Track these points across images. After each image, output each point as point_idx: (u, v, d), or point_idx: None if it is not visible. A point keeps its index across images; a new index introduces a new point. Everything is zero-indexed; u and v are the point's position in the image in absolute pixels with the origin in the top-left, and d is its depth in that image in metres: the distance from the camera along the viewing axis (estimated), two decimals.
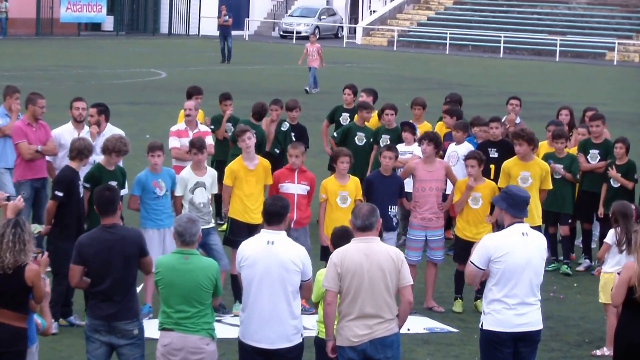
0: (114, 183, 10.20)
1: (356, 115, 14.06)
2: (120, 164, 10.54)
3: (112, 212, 7.73)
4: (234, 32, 42.46)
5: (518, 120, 14.30)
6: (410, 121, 13.44)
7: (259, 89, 29.41)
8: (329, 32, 57.14)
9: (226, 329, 9.86)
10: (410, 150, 12.69)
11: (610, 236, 9.82)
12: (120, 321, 7.54)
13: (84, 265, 7.69)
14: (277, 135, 13.84)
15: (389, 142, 12.97)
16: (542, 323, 7.87)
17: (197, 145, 10.61)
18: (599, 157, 12.91)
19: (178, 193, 10.56)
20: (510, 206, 7.77)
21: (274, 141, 13.85)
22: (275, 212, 7.41)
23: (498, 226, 11.41)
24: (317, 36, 36.72)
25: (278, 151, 13.81)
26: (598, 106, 16.20)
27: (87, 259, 7.66)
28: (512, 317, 7.69)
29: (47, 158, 11.82)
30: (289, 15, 57.59)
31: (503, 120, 14.25)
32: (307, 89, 30.54)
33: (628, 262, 7.78)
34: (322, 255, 10.57)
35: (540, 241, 7.83)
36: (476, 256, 7.74)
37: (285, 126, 13.94)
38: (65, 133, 11.73)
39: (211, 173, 10.76)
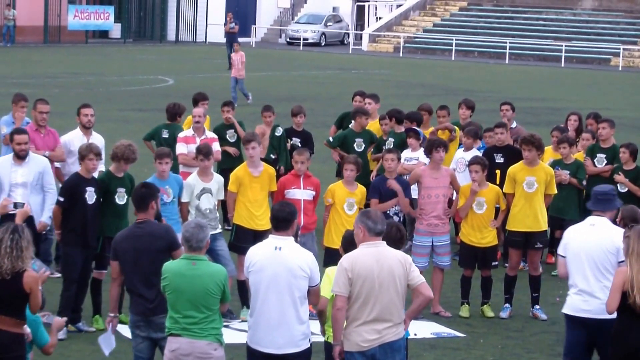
0: (122, 189, 10.28)
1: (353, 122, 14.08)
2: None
3: (144, 208, 8.04)
4: (240, 39, 42.56)
5: (514, 125, 14.32)
6: (416, 127, 13.48)
7: (265, 96, 29.48)
8: (335, 38, 57.24)
9: (234, 334, 9.90)
10: (415, 157, 12.72)
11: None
12: (157, 315, 7.76)
13: (119, 260, 8.05)
14: (271, 141, 13.97)
15: (392, 146, 13.06)
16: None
17: (203, 151, 10.69)
18: (605, 162, 12.93)
19: (184, 199, 10.63)
20: (592, 202, 8.47)
21: (268, 147, 13.96)
22: (283, 218, 7.45)
23: (503, 230, 11.49)
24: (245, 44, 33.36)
25: (274, 157, 13.93)
26: (603, 111, 16.26)
27: (120, 254, 8.03)
28: (577, 302, 8.32)
29: (56, 164, 11.90)
30: (296, 22, 57.69)
31: None
32: (249, 100, 28.00)
33: (621, 267, 7.85)
34: (326, 260, 10.56)
35: (607, 233, 8.25)
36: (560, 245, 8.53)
37: (279, 131, 14.07)
38: (75, 139, 11.82)
39: (217, 179, 10.83)
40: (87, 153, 10.07)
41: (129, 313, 8.11)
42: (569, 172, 12.76)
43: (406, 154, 13.01)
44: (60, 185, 11.84)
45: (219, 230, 10.83)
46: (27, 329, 7.28)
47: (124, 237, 8.12)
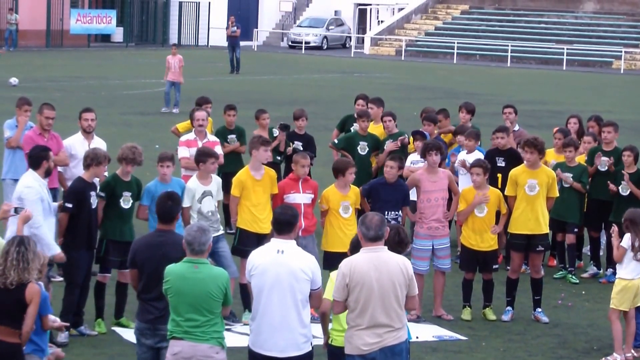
0: (128, 194, 10.29)
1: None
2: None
3: (169, 221, 8.00)
4: (243, 43, 42.62)
5: (517, 128, 14.33)
6: (422, 130, 13.50)
7: (268, 99, 29.51)
8: (337, 42, 57.31)
9: (236, 337, 9.90)
10: (422, 160, 12.69)
11: (626, 240, 9.88)
12: (164, 324, 7.69)
13: (137, 268, 7.97)
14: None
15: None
16: None
17: (215, 155, 10.77)
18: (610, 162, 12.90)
19: (186, 204, 10.61)
20: None
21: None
22: (287, 221, 7.45)
23: (505, 233, 11.50)
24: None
25: (280, 158, 14.02)
26: (605, 114, 16.27)
27: (139, 262, 7.96)
28: None
29: (59, 169, 11.92)
30: (298, 26, 57.76)
31: None
32: (175, 110, 26.62)
33: None
34: (325, 264, 10.57)
35: None
36: None
37: (276, 133, 14.14)
38: (76, 144, 11.85)
39: (216, 180, 10.84)
40: (103, 160, 10.08)
41: (136, 320, 8.06)
42: (572, 175, 12.76)
43: (413, 156, 13.01)
44: (61, 189, 11.91)
45: (221, 232, 10.84)
46: (57, 320, 7.45)
47: (145, 244, 8.00)
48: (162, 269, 7.69)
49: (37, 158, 9.64)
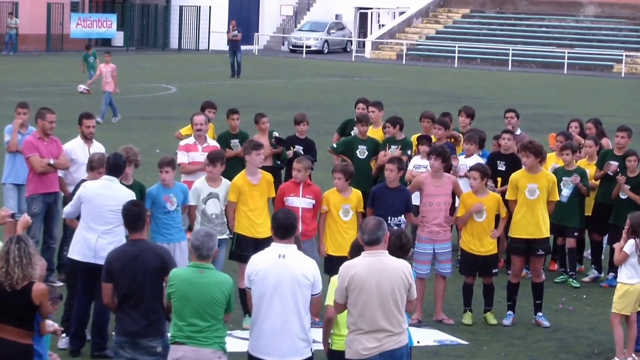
0: None
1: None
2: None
3: (140, 227, 7.84)
4: (243, 47, 42.63)
5: (519, 132, 14.32)
6: (426, 134, 13.49)
7: (269, 104, 29.52)
8: (338, 46, 57.33)
9: (236, 342, 9.87)
10: (425, 164, 12.67)
11: (629, 246, 9.85)
12: (144, 338, 7.62)
13: (113, 282, 7.77)
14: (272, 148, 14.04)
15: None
16: None
17: (210, 157, 10.73)
18: (618, 170, 12.87)
19: (191, 203, 10.65)
20: None
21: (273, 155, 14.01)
22: (289, 225, 7.44)
23: (506, 237, 11.47)
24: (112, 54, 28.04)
25: (280, 162, 14.03)
26: (606, 118, 16.27)
27: (114, 274, 7.76)
28: None
29: (59, 173, 11.91)
30: (298, 30, 57.80)
31: None
32: (99, 119, 24.22)
33: None
34: (326, 268, 10.54)
35: None
36: None
37: (276, 134, 14.15)
38: (76, 148, 11.83)
39: (226, 184, 10.83)
40: (98, 166, 10.04)
41: (114, 334, 7.88)
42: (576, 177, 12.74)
43: (416, 160, 12.99)
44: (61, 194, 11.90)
45: (225, 236, 10.81)
46: (55, 325, 7.43)
47: (118, 254, 7.86)
48: (142, 279, 7.63)
49: (122, 167, 9.85)
